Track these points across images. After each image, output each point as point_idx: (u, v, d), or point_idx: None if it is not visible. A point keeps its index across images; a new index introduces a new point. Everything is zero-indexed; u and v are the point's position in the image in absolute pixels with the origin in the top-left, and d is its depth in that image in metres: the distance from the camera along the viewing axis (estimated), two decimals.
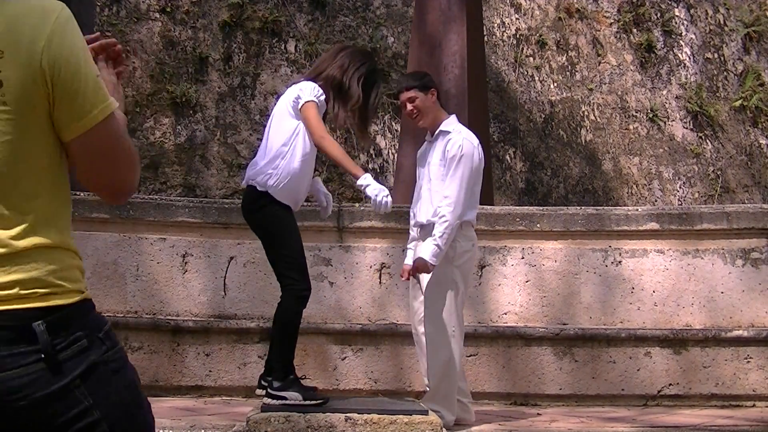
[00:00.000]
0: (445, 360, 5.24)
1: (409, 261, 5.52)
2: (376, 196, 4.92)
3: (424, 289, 5.33)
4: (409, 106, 5.48)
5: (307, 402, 4.92)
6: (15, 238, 1.68)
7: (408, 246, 5.66)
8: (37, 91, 1.62)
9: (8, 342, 1.67)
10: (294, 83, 5.31)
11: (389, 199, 4.97)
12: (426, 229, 5.37)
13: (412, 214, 5.61)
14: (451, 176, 5.26)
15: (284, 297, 5.04)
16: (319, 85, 5.13)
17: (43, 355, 1.68)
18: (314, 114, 5.04)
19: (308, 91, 5.07)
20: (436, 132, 5.44)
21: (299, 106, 5.06)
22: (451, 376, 5.27)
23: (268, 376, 5.05)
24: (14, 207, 1.67)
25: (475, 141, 5.41)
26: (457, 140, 5.33)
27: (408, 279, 5.44)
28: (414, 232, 5.58)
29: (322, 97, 5.09)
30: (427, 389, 5.45)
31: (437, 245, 5.16)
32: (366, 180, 4.96)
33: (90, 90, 1.67)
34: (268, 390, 5.01)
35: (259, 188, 5.04)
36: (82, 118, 1.67)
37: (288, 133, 5.08)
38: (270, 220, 5.06)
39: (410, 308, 5.62)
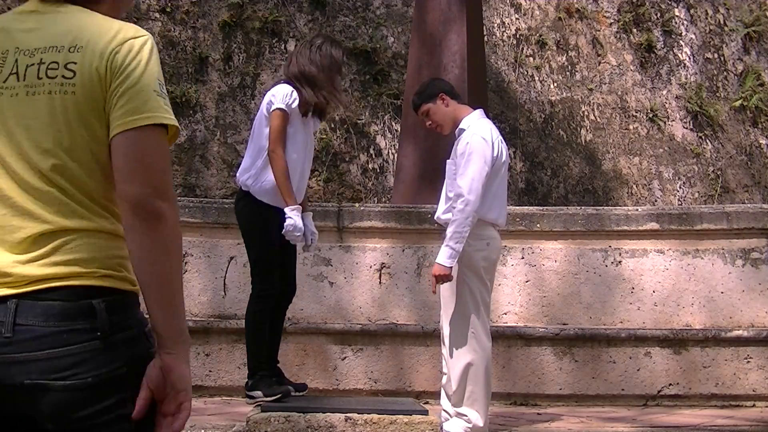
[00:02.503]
0: (465, 362, 5.10)
1: None
2: (288, 227, 5.12)
3: (442, 292, 5.23)
4: (427, 122, 5.43)
5: (268, 398, 5.04)
6: (81, 218, 1.78)
7: None
8: (98, 85, 1.79)
9: (66, 317, 1.73)
10: (275, 84, 5.44)
11: (299, 235, 5.19)
12: (444, 227, 5.33)
13: None
14: (461, 175, 5.10)
15: (250, 296, 5.27)
16: (291, 85, 5.24)
17: (99, 333, 1.73)
18: (277, 124, 5.18)
19: (280, 97, 5.22)
20: (457, 131, 5.33)
21: (270, 111, 5.22)
22: (476, 379, 5.10)
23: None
24: (81, 189, 1.79)
25: (490, 136, 5.18)
26: (466, 137, 5.17)
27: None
28: None
29: (294, 103, 5.17)
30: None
31: (448, 247, 5.03)
32: (291, 212, 5.14)
33: (150, 98, 1.80)
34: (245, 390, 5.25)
35: (243, 188, 5.19)
36: (132, 115, 1.78)
37: (265, 136, 5.24)
38: (246, 218, 5.24)
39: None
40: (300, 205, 5.32)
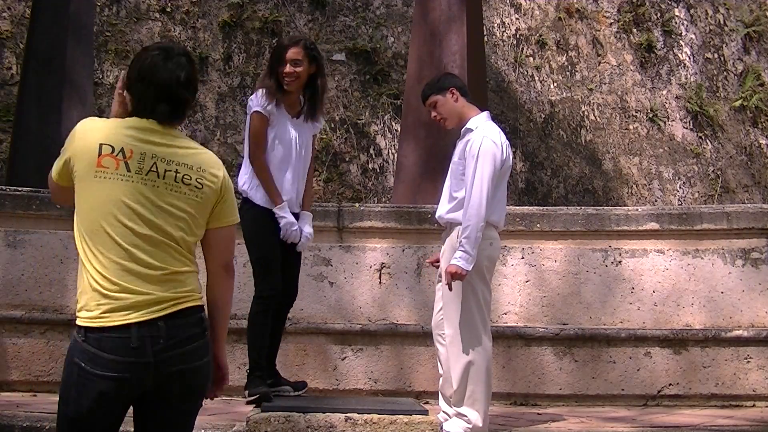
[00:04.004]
0: (466, 361, 5.09)
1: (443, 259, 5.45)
2: (285, 225, 5.23)
3: (442, 292, 5.21)
4: (433, 113, 5.37)
5: (249, 397, 5.11)
6: (188, 265, 2.98)
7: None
8: (214, 197, 3.01)
9: (193, 325, 2.92)
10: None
11: (296, 232, 5.28)
12: (446, 228, 5.30)
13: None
14: (471, 177, 5.10)
15: (252, 298, 5.36)
16: (266, 92, 5.31)
17: (205, 333, 2.95)
18: (254, 126, 5.30)
19: (256, 100, 5.31)
20: (462, 132, 5.31)
21: (249, 115, 5.35)
22: (477, 378, 5.10)
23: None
24: (190, 249, 2.99)
25: (499, 139, 5.20)
26: (477, 139, 5.15)
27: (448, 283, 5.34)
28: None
29: (269, 106, 5.19)
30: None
31: (464, 251, 5.02)
32: (281, 211, 5.23)
33: (234, 207, 3.09)
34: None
35: (242, 193, 5.33)
36: (228, 218, 3.07)
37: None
38: (246, 222, 5.28)
39: (435, 312, 5.40)
40: (301, 206, 5.38)
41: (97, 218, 2.87)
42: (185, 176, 2.94)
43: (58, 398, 2.92)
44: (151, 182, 2.90)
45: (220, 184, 3.02)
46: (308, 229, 5.43)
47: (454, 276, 5.06)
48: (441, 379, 5.30)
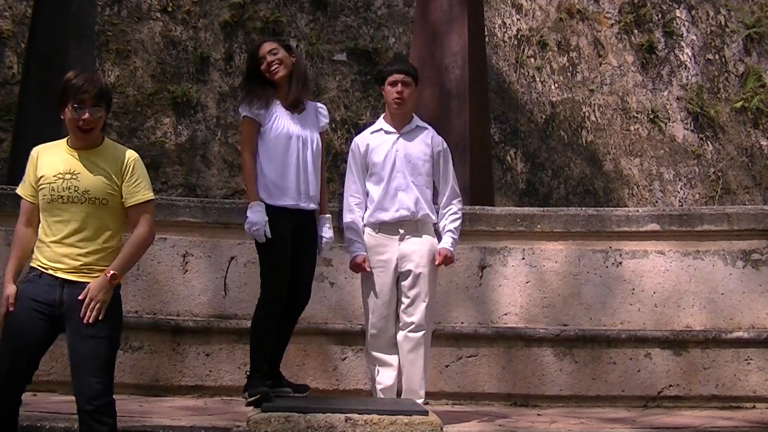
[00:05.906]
0: (428, 347, 5.46)
1: (391, 259, 5.45)
2: (246, 224, 5.14)
3: (420, 289, 5.35)
4: (403, 90, 5.42)
5: (249, 398, 5.10)
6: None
7: (372, 243, 5.50)
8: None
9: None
10: None
11: (259, 231, 5.10)
12: (412, 224, 5.39)
13: (378, 210, 5.47)
14: (452, 174, 5.53)
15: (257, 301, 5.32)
16: (250, 95, 5.30)
17: None
18: (244, 130, 5.34)
19: (244, 106, 5.31)
20: (413, 127, 5.54)
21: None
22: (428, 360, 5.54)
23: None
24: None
25: None
26: (438, 138, 5.57)
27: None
28: (377, 229, 5.47)
29: (258, 110, 5.18)
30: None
31: (456, 240, 5.50)
32: (249, 210, 5.14)
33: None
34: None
35: None
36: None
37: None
38: None
39: (386, 315, 5.48)
40: (317, 204, 5.37)
41: None
42: None
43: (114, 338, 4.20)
44: None
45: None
46: (328, 234, 5.38)
47: (451, 262, 5.49)
48: (391, 378, 5.51)
